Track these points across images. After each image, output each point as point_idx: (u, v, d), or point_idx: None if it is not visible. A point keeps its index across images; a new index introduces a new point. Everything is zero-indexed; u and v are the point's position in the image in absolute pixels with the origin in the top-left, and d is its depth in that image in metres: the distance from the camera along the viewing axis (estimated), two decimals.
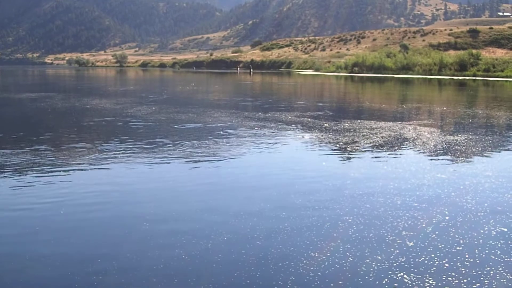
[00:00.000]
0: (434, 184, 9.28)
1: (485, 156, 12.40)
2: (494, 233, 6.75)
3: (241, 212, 7.65)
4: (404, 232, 6.73)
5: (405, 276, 5.42)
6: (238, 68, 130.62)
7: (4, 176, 9.89)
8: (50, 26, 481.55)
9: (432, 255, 5.94)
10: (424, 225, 7.02)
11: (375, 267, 5.64)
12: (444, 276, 5.42)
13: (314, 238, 6.58)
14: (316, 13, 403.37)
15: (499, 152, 13.10)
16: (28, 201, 8.28)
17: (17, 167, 10.62)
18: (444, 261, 5.79)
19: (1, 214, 7.69)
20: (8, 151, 12.36)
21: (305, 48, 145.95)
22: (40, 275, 5.60)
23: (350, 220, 7.24)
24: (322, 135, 15.39)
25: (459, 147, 13.20)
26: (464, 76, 64.93)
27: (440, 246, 6.23)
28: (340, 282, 5.34)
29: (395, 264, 5.71)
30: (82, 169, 10.60)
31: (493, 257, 5.95)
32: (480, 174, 10.26)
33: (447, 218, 7.31)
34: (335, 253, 6.05)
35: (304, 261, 5.82)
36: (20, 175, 9.98)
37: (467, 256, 5.95)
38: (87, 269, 5.67)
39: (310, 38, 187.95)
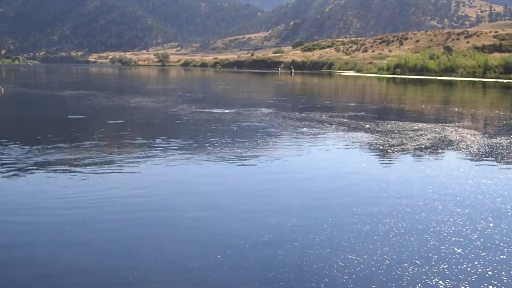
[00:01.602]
0: (477, 190, 9.04)
1: None
2: None
3: (279, 213, 7.58)
4: (446, 239, 6.55)
5: (446, 283, 5.27)
6: (279, 69, 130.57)
7: (40, 172, 10.00)
8: (94, 25, 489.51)
9: (476, 263, 5.76)
10: (468, 231, 6.83)
11: (415, 273, 5.50)
12: (488, 286, 5.25)
13: (353, 240, 6.46)
14: (358, 14, 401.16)
15: None
16: (76, 196, 8.33)
17: (62, 163, 10.73)
18: (487, 269, 5.60)
19: (40, 210, 7.75)
20: (49, 148, 12.50)
21: (347, 49, 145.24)
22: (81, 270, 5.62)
23: (391, 224, 7.09)
24: (363, 136, 15.21)
25: (503, 152, 12.89)
26: (510, 79, 63.66)
27: (482, 254, 6.04)
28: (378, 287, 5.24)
29: (435, 270, 5.56)
30: (121, 167, 10.65)
31: None
32: None
33: (491, 225, 7.10)
34: (374, 257, 5.91)
35: (342, 264, 5.71)
36: (68, 171, 10.08)
37: None
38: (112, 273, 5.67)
39: (352, 39, 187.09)
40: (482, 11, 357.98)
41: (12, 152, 11.85)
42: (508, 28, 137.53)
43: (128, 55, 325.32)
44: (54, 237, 6.65)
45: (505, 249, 6.20)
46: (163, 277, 5.45)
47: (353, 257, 5.92)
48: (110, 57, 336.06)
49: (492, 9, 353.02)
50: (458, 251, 6.13)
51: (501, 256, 5.98)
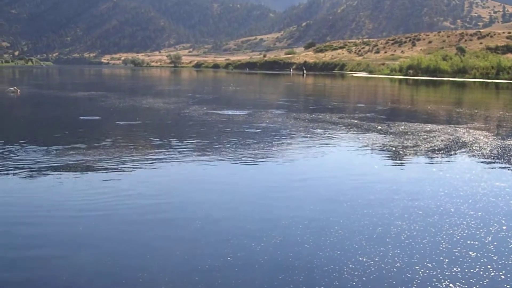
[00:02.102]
0: (490, 192, 8.96)
1: None
2: None
3: (290, 214, 7.57)
4: (459, 242, 6.51)
5: (457, 286, 5.24)
6: (291, 70, 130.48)
7: (41, 175, 10.06)
8: (106, 26, 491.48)
9: (488, 266, 5.72)
10: (481, 235, 6.78)
11: (427, 276, 5.47)
12: None
13: (364, 243, 6.44)
14: (371, 14, 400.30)
15: None
16: (89, 197, 8.37)
17: (71, 165, 10.79)
18: (500, 273, 5.56)
19: (48, 211, 7.79)
20: (56, 149, 12.57)
21: (359, 50, 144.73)
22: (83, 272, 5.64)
23: (403, 226, 7.06)
24: (374, 138, 15.16)
25: None
26: None
27: (495, 258, 5.99)
28: None
29: (447, 273, 5.52)
30: (128, 169, 10.68)
31: None
32: None
33: (504, 228, 7.04)
34: (385, 259, 5.89)
35: (352, 266, 5.68)
36: (79, 173, 10.13)
37: None
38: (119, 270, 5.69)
39: (364, 40, 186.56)
40: (495, 12, 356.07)
41: (28, 153, 11.95)
42: None
43: (141, 56, 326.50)
44: (64, 237, 6.68)
45: None
46: (173, 278, 5.46)
47: (364, 260, 5.90)
48: (122, 58, 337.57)
49: (506, 9, 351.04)
50: (471, 254, 6.08)
51: None
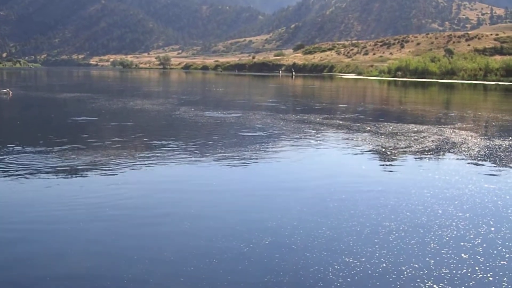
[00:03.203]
0: (478, 194, 8.96)
1: None
2: None
3: (279, 216, 7.55)
4: (447, 243, 6.49)
5: (445, 287, 5.22)
6: (280, 71, 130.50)
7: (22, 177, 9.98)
8: (95, 28, 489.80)
9: (476, 268, 5.70)
10: (469, 236, 6.76)
11: (414, 277, 5.44)
12: None
13: (352, 243, 6.42)
14: (359, 16, 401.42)
15: None
16: (77, 198, 8.32)
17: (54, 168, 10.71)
18: (488, 275, 5.54)
19: (36, 213, 7.72)
20: (42, 152, 12.50)
21: (348, 52, 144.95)
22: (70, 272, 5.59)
23: (392, 226, 7.04)
24: (363, 139, 15.15)
25: (504, 155, 12.82)
26: (511, 81, 63.54)
27: (482, 260, 5.97)
28: None
29: (435, 274, 5.51)
30: (108, 171, 10.62)
31: None
32: None
33: (492, 229, 7.03)
34: (372, 260, 5.86)
35: (339, 267, 5.66)
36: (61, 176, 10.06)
37: None
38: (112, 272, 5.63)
39: (353, 42, 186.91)
40: (483, 14, 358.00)
41: (20, 154, 11.90)
42: (509, 30, 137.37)
43: (129, 58, 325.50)
44: (53, 238, 6.66)
45: (506, 255, 6.12)
46: (161, 280, 5.42)
47: (351, 260, 5.88)
48: (111, 60, 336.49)
49: (493, 11, 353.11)
50: (459, 255, 6.07)
51: (502, 262, 5.91)
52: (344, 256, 6.02)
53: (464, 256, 6.02)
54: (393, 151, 13.17)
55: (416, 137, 15.41)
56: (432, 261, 5.88)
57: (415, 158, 12.33)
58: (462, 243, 6.45)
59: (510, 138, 15.74)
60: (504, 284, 5.32)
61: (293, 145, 14.16)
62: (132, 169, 10.75)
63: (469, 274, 5.54)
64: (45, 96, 37.05)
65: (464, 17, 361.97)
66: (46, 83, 66.61)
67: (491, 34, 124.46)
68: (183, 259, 5.97)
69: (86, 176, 10.05)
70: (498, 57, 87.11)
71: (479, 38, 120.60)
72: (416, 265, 5.75)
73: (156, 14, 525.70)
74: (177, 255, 6.08)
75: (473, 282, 5.36)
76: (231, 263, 5.85)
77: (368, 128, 17.68)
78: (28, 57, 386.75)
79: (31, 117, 22.36)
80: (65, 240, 6.60)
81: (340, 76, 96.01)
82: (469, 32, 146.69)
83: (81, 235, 6.77)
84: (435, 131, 16.91)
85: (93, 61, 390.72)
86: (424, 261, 5.86)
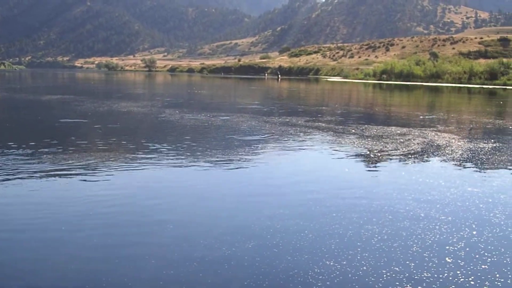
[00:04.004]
0: (461, 197, 8.96)
1: None
2: None
3: (262, 219, 7.53)
4: (430, 246, 6.48)
5: None
6: (266, 74, 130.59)
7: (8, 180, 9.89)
8: (80, 30, 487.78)
9: (458, 272, 5.68)
10: (452, 239, 6.75)
11: (398, 279, 5.42)
12: None
13: (334, 246, 6.40)
14: (345, 20, 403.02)
15: None
16: (63, 201, 8.25)
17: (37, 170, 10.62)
18: (470, 279, 5.53)
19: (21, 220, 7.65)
20: (24, 154, 12.40)
21: (334, 55, 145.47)
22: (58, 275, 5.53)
23: (374, 229, 7.02)
24: (347, 142, 15.15)
25: (487, 158, 12.86)
26: (494, 85, 64.02)
27: (462, 264, 5.96)
28: None
29: (417, 278, 5.49)
30: (100, 172, 10.56)
31: None
32: (510, 187, 9.96)
33: (474, 232, 7.03)
34: (354, 263, 5.84)
35: (319, 271, 5.64)
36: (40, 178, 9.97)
37: (496, 274, 5.68)
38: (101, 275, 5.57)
39: (339, 45, 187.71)
40: (467, 18, 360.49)
41: (5, 157, 11.76)
42: (493, 34, 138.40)
43: (115, 60, 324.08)
44: (37, 242, 6.60)
45: (489, 259, 6.11)
46: (146, 283, 5.37)
47: (333, 264, 5.87)
48: (96, 62, 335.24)
49: (478, 15, 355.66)
50: (441, 259, 6.06)
51: (483, 266, 5.90)
52: (325, 259, 6.00)
53: (447, 260, 6.01)
54: (377, 154, 13.17)
55: (400, 140, 15.43)
56: (413, 264, 5.86)
57: (399, 161, 12.34)
58: (444, 247, 6.44)
59: (493, 141, 15.81)
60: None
61: (277, 148, 14.13)
62: (116, 172, 10.68)
63: (450, 278, 5.53)
64: (30, 98, 36.76)
65: (449, 20, 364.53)
66: (31, 85, 66.18)
67: (476, 38, 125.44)
68: (165, 263, 5.92)
69: (72, 180, 9.96)
70: (482, 61, 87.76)
71: (463, 42, 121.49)
72: (397, 269, 5.73)
73: (142, 16, 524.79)
74: (159, 259, 6.03)
75: (454, 286, 5.35)
76: (212, 267, 5.81)
77: (353, 131, 17.69)
78: (12, 59, 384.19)
79: (16, 120, 22.15)
80: (50, 245, 6.54)
81: (325, 79, 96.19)
82: (454, 36, 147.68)
83: (67, 239, 6.71)
84: (419, 134, 16.95)
85: (78, 63, 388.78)
86: (406, 265, 5.84)
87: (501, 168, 11.81)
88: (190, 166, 11.48)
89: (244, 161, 12.12)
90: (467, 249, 6.39)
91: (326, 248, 6.35)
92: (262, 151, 13.67)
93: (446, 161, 12.34)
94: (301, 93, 51.77)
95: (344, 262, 5.91)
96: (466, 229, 7.14)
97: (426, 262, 5.93)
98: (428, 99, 43.64)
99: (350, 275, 5.57)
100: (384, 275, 5.57)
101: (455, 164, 12.01)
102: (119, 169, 10.91)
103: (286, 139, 15.84)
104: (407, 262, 5.92)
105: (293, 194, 9.18)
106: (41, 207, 8.08)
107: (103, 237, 6.81)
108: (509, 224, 7.38)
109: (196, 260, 5.99)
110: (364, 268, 5.76)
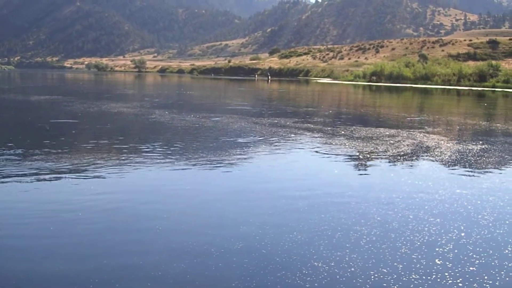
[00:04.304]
0: (450, 199, 8.98)
1: (504, 170, 12.11)
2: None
3: (250, 220, 7.53)
4: (419, 248, 6.49)
5: None
6: (256, 75, 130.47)
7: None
8: (70, 30, 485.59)
9: (446, 274, 5.69)
10: (441, 241, 6.76)
11: (386, 281, 5.42)
12: None
13: (322, 248, 6.39)
14: (335, 21, 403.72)
15: None
16: (53, 203, 8.20)
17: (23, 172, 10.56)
18: (458, 281, 5.54)
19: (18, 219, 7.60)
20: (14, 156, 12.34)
21: (323, 57, 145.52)
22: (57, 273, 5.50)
23: (363, 231, 7.02)
24: (336, 143, 15.16)
25: (475, 160, 12.91)
26: (483, 87, 64.34)
27: (450, 265, 5.97)
28: None
29: (405, 280, 5.49)
30: (89, 174, 10.51)
31: (511, 274, 5.71)
32: (498, 188, 9.99)
33: (463, 234, 7.04)
34: (342, 264, 5.83)
35: (306, 272, 5.63)
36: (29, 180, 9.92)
37: (484, 276, 5.69)
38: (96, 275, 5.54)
39: (329, 46, 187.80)
40: (457, 20, 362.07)
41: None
42: (482, 36, 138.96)
43: (105, 60, 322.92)
44: (27, 244, 6.57)
45: (477, 261, 6.12)
46: (126, 285, 5.34)
47: (321, 265, 5.87)
48: (86, 62, 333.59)
49: (467, 18, 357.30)
50: (430, 260, 6.06)
51: (471, 268, 5.90)
52: (313, 261, 5.99)
53: (435, 261, 6.02)
54: (366, 156, 13.19)
55: (389, 142, 15.46)
56: (402, 266, 5.86)
57: (388, 163, 12.35)
58: (433, 249, 6.45)
59: (482, 142, 15.87)
60: None
61: (267, 150, 14.11)
62: (106, 174, 10.61)
63: (439, 279, 5.53)
64: (21, 99, 36.61)
65: (438, 22, 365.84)
66: (20, 86, 65.86)
67: (465, 40, 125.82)
68: (153, 266, 5.90)
69: (63, 181, 9.90)
70: (471, 63, 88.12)
71: (453, 44, 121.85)
72: (385, 270, 5.74)
73: (132, 17, 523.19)
74: (145, 260, 6.02)
75: (442, 287, 5.36)
76: (201, 268, 5.79)
77: (342, 132, 17.71)
78: (1, 59, 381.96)
79: (5, 120, 22.03)
80: (42, 245, 6.51)
81: (315, 81, 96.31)
82: (443, 38, 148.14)
83: (56, 241, 6.69)
84: (408, 135, 16.99)
85: (67, 63, 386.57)
86: (395, 266, 5.85)
87: (489, 169, 11.86)
88: (179, 167, 11.44)
89: (233, 163, 12.10)
90: (456, 250, 6.40)
91: (315, 250, 6.34)
92: (251, 152, 13.65)
93: (434, 163, 12.37)
94: (291, 94, 51.79)
95: (332, 264, 5.90)
96: (455, 230, 7.16)
97: (415, 264, 5.94)
98: (417, 101, 43.78)
99: (338, 277, 5.57)
100: (373, 277, 5.57)
101: (444, 166, 12.05)
102: (108, 171, 10.84)
103: (275, 140, 15.83)
104: (396, 264, 5.92)
105: (282, 196, 9.16)
106: (31, 209, 8.03)
107: (92, 237, 6.79)
108: (497, 226, 7.40)
109: (185, 262, 5.97)
110: (353, 269, 5.76)
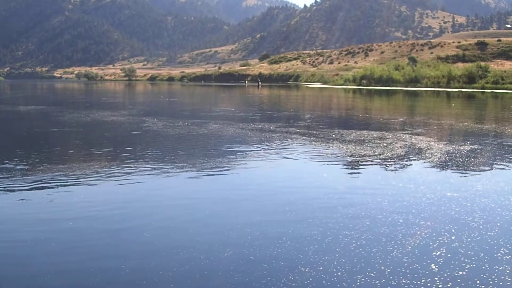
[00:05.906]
0: (440, 202, 8.96)
1: (495, 171, 12.13)
2: (503, 253, 6.48)
3: (239, 225, 7.52)
4: (410, 252, 6.46)
5: None
6: (246, 82, 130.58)
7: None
8: (59, 40, 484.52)
9: (435, 279, 5.66)
10: (431, 244, 6.74)
11: (376, 285, 5.41)
12: None
13: (312, 253, 6.36)
14: (324, 26, 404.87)
15: (510, 168, 12.81)
16: (44, 212, 8.15)
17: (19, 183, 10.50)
18: (448, 285, 5.51)
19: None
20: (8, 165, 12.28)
21: (313, 61, 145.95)
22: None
23: (353, 235, 6.99)
24: (327, 146, 15.14)
25: (466, 162, 12.92)
26: (473, 88, 64.63)
27: (443, 269, 5.94)
28: None
29: (394, 284, 5.46)
30: (84, 182, 10.46)
31: (502, 278, 5.69)
32: (489, 191, 9.99)
33: (453, 237, 7.01)
34: (330, 269, 5.80)
35: (296, 278, 5.59)
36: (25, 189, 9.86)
37: (475, 279, 5.66)
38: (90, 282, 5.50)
39: (318, 51, 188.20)
40: (445, 22, 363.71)
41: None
42: (470, 38, 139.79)
43: (94, 70, 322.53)
44: (19, 252, 6.52)
45: (467, 265, 6.09)
46: None
47: (309, 270, 5.84)
48: (76, 72, 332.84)
49: (455, 20, 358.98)
50: (419, 264, 6.04)
51: (461, 272, 5.87)
52: (301, 266, 5.96)
53: (425, 265, 5.99)
54: (356, 159, 13.18)
55: (379, 144, 15.45)
56: (391, 270, 5.83)
57: (378, 166, 12.34)
58: (423, 252, 6.42)
59: (472, 144, 15.89)
60: None
61: (257, 155, 14.08)
62: (96, 181, 10.57)
63: (429, 283, 5.50)
64: (10, 110, 36.49)
65: (426, 25, 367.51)
66: (10, 96, 65.65)
67: (453, 42, 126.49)
68: (141, 270, 5.88)
69: (55, 190, 9.83)
70: (460, 65, 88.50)
71: (441, 46, 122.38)
72: (372, 274, 5.70)
73: (121, 25, 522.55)
74: (135, 267, 5.99)
75: None
76: (189, 275, 5.77)
77: (333, 136, 17.71)
78: None
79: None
80: (33, 256, 6.45)
81: (306, 85, 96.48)
82: (432, 40, 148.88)
83: (48, 248, 6.64)
84: (398, 138, 17.00)
85: (57, 73, 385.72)
86: (384, 271, 5.81)
87: (480, 172, 11.88)
88: (169, 174, 11.40)
89: (223, 168, 12.07)
90: (447, 254, 6.37)
91: (303, 255, 6.31)
92: (241, 157, 13.62)
93: (425, 165, 12.37)
94: (281, 99, 51.84)
95: (321, 268, 5.87)
96: (446, 233, 7.13)
97: (405, 268, 5.90)
98: (407, 103, 43.91)
99: (327, 282, 5.53)
100: (363, 281, 5.54)
101: (434, 169, 12.04)
102: (99, 180, 10.79)
103: (266, 145, 15.81)
104: (386, 268, 5.89)
105: (271, 201, 9.15)
106: (21, 219, 7.99)
107: (84, 244, 6.75)
108: (488, 228, 7.39)
109: (173, 269, 5.94)
110: (342, 274, 5.72)
